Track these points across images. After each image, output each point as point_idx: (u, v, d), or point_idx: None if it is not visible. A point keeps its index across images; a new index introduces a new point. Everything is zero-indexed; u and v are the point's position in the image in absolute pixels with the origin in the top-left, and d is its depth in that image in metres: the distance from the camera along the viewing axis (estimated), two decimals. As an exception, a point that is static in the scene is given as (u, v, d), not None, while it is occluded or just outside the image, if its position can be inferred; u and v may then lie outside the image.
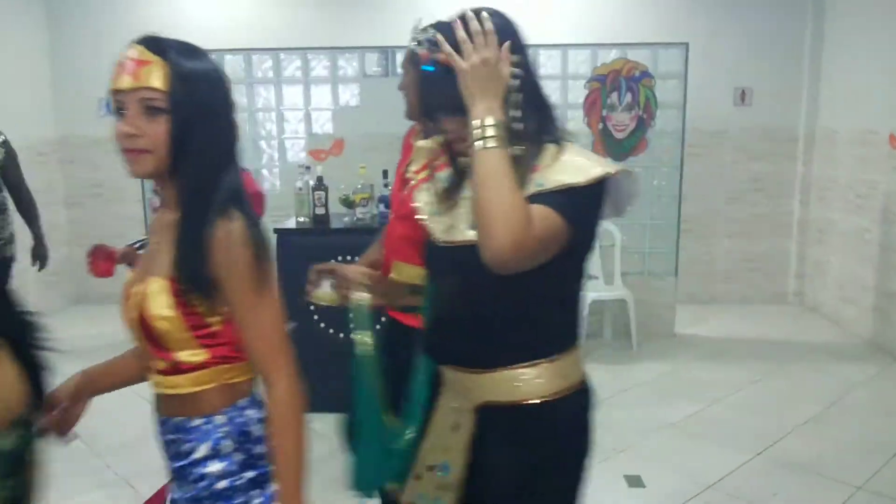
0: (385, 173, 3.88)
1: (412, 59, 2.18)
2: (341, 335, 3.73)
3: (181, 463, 1.35)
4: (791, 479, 3.11)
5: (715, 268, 5.98)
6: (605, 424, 3.74)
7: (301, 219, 3.89)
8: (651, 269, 5.11)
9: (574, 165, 1.35)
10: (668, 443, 3.47)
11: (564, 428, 1.43)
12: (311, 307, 1.98)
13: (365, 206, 3.83)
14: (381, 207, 3.88)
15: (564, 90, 5.00)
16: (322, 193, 3.82)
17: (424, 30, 2.05)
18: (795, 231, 5.87)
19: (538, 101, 1.45)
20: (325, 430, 3.66)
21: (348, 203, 3.98)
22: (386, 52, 5.16)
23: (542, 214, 1.28)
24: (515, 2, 5.91)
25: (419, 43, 2.09)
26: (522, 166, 1.33)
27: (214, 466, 1.32)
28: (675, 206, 4.97)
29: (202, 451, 1.33)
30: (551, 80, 5.01)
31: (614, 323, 5.08)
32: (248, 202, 1.32)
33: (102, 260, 2.22)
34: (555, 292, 1.40)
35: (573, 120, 5.01)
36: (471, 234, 1.32)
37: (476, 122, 1.28)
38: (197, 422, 1.33)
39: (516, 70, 1.37)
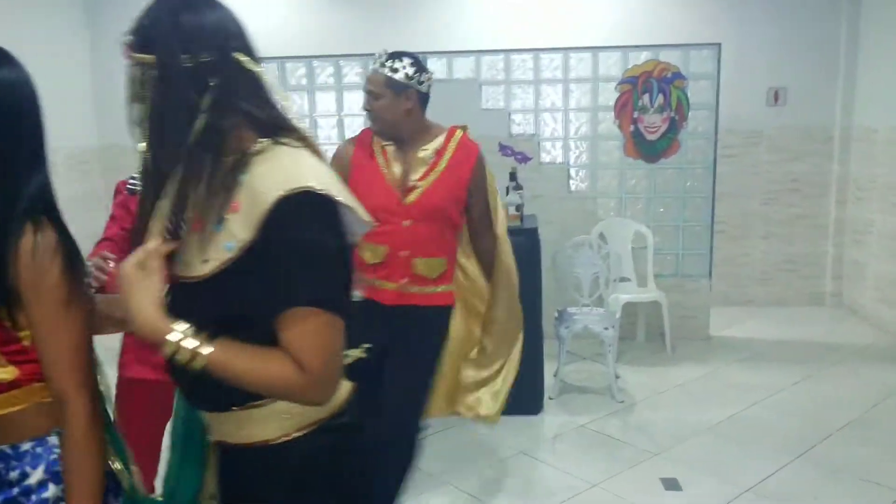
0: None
1: (390, 84, 2.31)
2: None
3: (8, 494, 1.23)
4: (831, 483, 3.06)
5: (751, 269, 5.91)
6: (641, 427, 3.77)
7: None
8: (685, 271, 5.08)
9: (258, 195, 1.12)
10: (704, 446, 3.44)
11: (298, 472, 1.26)
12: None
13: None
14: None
15: (595, 92, 5.00)
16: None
17: (384, 58, 2.34)
18: (832, 231, 5.78)
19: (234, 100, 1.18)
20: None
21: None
22: (415, 57, 5.20)
23: (299, 334, 1.11)
24: (546, 6, 5.98)
25: (382, 66, 2.32)
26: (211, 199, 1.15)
27: (52, 491, 1.23)
28: (708, 208, 4.93)
29: (37, 475, 1.23)
30: (583, 82, 5.02)
31: (648, 325, 5.05)
32: (59, 211, 1.24)
33: None
34: None
35: (604, 122, 5.01)
36: (202, 269, 1.15)
37: (168, 350, 1.10)
38: (26, 446, 1.23)
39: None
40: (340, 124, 5.21)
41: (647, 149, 4.94)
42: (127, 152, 5.94)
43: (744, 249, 5.88)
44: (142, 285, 1.12)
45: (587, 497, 2.99)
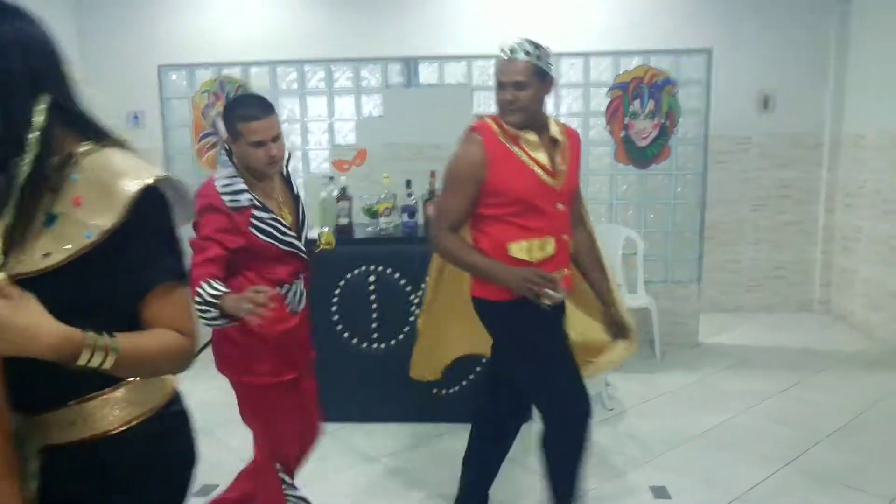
0: (408, 183, 3.90)
1: (536, 71, 2.26)
2: (364, 345, 3.75)
3: None
4: (820, 491, 3.07)
5: (740, 276, 5.93)
6: (631, 434, 3.76)
7: (325, 229, 3.92)
8: (674, 277, 5.08)
9: (107, 187, 1.20)
10: (693, 453, 3.44)
11: (138, 460, 1.29)
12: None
13: (388, 216, 3.86)
14: (405, 217, 3.90)
15: (587, 98, 5.00)
16: (346, 204, 3.86)
17: (525, 45, 2.27)
18: (821, 238, 5.80)
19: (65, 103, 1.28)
20: (350, 440, 3.69)
21: (372, 213, 4.01)
22: (408, 62, 5.19)
23: (172, 305, 1.25)
24: (538, 11, 6.00)
25: (511, 51, 2.25)
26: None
27: None
28: (698, 214, 4.94)
29: None
30: (573, 87, 5.02)
31: (638, 332, 5.04)
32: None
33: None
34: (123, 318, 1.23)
35: (595, 128, 5.02)
36: (44, 262, 1.15)
37: (86, 353, 1.10)
38: None
39: None
40: (331, 129, 5.19)
41: (638, 155, 4.95)
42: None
43: (733, 256, 5.90)
44: (18, 307, 1.06)
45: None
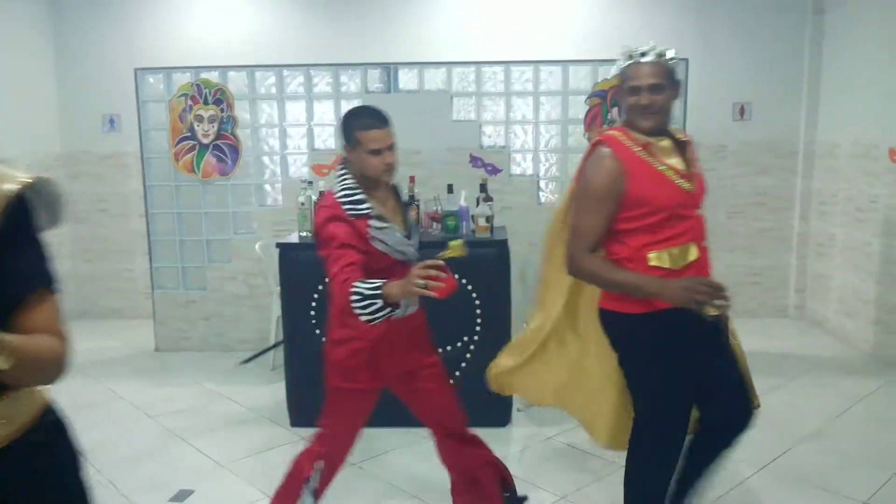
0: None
1: (672, 75, 2.26)
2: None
3: None
4: (795, 494, 3.10)
5: (716, 282, 5.97)
6: (599, 448, 3.73)
7: (303, 233, 3.91)
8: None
9: None
10: (670, 457, 3.46)
11: (24, 473, 1.28)
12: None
13: (367, 221, 3.85)
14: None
15: (566, 105, 5.03)
16: (324, 208, 3.83)
17: (657, 49, 2.25)
18: (796, 245, 5.88)
19: None
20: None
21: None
22: (388, 68, 5.20)
23: (48, 312, 1.26)
24: (518, 19, 6.02)
25: (642, 54, 2.24)
26: None
27: None
28: (676, 221, 4.98)
29: None
30: (553, 95, 5.05)
31: (616, 337, 5.07)
32: None
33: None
34: None
35: (574, 135, 5.05)
36: None
37: None
38: None
39: None
40: (310, 133, 5.18)
41: (616, 162, 4.98)
42: (92, 159, 5.89)
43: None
44: None
45: (554, 509, 2.98)
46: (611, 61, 5.10)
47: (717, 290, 2.03)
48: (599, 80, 4.95)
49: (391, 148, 2.32)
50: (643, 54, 2.23)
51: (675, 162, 2.25)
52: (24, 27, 5.69)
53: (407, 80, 5.25)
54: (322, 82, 5.15)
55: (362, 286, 2.05)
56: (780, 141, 5.81)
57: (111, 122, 5.95)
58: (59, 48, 5.95)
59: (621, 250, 2.25)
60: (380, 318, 2.06)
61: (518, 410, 3.96)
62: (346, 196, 2.28)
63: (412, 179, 3.97)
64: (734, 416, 2.41)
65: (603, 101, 4.93)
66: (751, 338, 5.38)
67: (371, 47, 5.65)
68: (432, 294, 1.94)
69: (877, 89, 4.89)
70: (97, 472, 3.36)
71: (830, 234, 5.52)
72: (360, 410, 2.49)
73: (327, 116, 5.16)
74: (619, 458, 3.40)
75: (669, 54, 2.26)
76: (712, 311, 2.02)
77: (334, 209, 2.26)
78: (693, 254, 2.24)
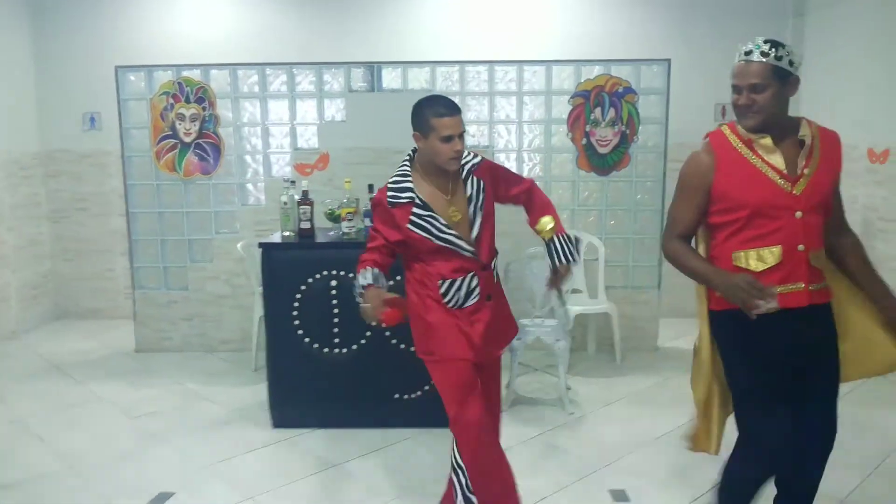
0: (371, 187, 3.88)
1: (777, 73, 2.18)
2: (326, 350, 3.72)
3: None
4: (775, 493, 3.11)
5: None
6: (590, 438, 3.77)
7: (286, 233, 3.88)
8: (635, 283, 5.15)
9: None
10: (653, 456, 3.48)
11: None
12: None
13: (350, 221, 3.83)
14: (367, 221, 3.87)
15: (549, 105, 5.04)
16: (307, 208, 3.82)
17: (764, 47, 2.19)
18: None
19: None
20: (309, 446, 3.65)
21: (334, 217, 3.99)
22: (372, 67, 5.18)
23: None
24: (501, 19, 6.03)
25: (747, 53, 2.20)
26: None
27: None
28: (658, 220, 5.01)
29: None
30: (536, 95, 5.06)
31: (598, 336, 5.10)
32: None
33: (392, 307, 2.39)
34: None
35: (558, 135, 5.06)
36: None
37: None
38: None
39: None
40: (293, 132, 5.15)
41: (599, 162, 5.00)
42: (72, 158, 5.84)
43: (692, 262, 5.98)
44: None
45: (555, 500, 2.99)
46: (593, 61, 5.14)
47: (758, 291, 2.03)
48: (582, 80, 4.96)
49: (461, 136, 2.46)
50: (748, 52, 2.21)
51: (777, 160, 2.20)
52: (2, 24, 5.61)
53: (390, 79, 5.24)
54: (305, 81, 5.13)
55: (359, 278, 2.47)
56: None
57: (91, 120, 5.88)
58: (38, 45, 5.88)
59: (714, 249, 2.31)
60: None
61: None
62: (393, 184, 2.52)
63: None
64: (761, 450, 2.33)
65: (586, 101, 4.94)
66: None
67: (354, 46, 5.63)
68: (376, 322, 2.44)
69: (856, 91, 4.94)
70: (76, 475, 3.33)
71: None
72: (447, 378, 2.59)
73: (310, 115, 5.13)
74: (602, 457, 3.42)
75: (778, 51, 2.19)
76: (753, 312, 2.05)
77: (380, 194, 2.55)
78: (773, 258, 2.19)
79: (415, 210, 2.47)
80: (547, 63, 5.06)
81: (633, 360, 4.90)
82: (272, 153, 5.20)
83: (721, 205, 2.24)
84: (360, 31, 5.69)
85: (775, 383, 2.25)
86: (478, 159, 2.59)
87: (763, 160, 2.21)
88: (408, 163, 2.58)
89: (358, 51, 5.56)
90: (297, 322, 3.72)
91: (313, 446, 3.59)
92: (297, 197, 3.87)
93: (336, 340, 3.72)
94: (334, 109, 5.13)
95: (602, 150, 4.98)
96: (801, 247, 2.19)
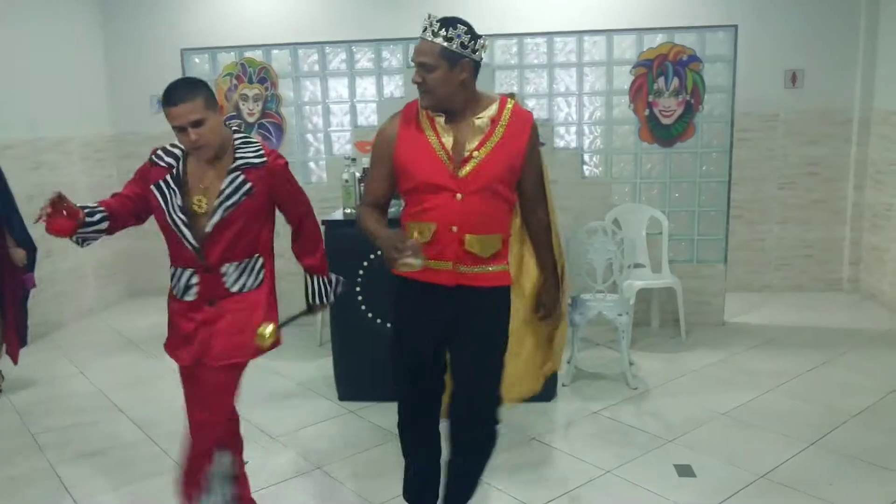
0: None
1: (444, 54, 2.16)
2: (388, 325, 3.77)
3: None
4: (846, 469, 3.04)
5: (767, 255, 5.86)
6: (655, 413, 3.75)
7: (348, 210, 3.94)
8: (700, 257, 5.04)
9: None
10: (719, 432, 3.43)
11: None
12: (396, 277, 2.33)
13: (410, 197, 3.86)
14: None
15: (610, 76, 4.94)
16: (368, 185, 3.86)
17: (436, 26, 2.19)
18: (850, 216, 5.71)
19: None
20: (374, 418, 3.72)
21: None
22: (468, 24, 5.16)
23: None
24: (560, -11, 5.80)
25: (434, 34, 2.17)
26: None
27: None
28: (724, 192, 4.89)
29: None
30: (597, 66, 4.97)
31: (662, 311, 5.02)
32: None
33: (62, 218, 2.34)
34: None
35: (619, 106, 4.96)
36: None
37: None
38: None
39: None
40: (353, 110, 5.20)
41: (663, 133, 4.89)
42: (141, 140, 6.00)
43: (760, 234, 5.83)
44: None
45: (600, 483, 2.99)
46: (656, 29, 5.02)
47: (407, 248, 2.05)
48: (644, 50, 4.84)
49: (196, 124, 2.24)
50: (423, 30, 2.20)
51: (448, 141, 2.21)
52: (73, 11, 5.80)
53: (448, 54, 5.21)
54: (364, 58, 5.16)
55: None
56: (834, 109, 5.62)
57: (159, 102, 6.04)
58: (107, 31, 6.06)
59: (403, 218, 2.35)
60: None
61: (563, 385, 3.96)
62: (164, 147, 2.42)
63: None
64: (463, 411, 2.41)
65: (648, 71, 4.83)
66: (802, 312, 5.30)
67: (410, 22, 5.59)
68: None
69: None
70: (155, 443, 3.49)
71: (886, 205, 5.34)
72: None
73: (369, 92, 5.17)
74: (666, 433, 3.39)
75: (447, 32, 2.15)
76: (401, 267, 2.09)
77: (151, 151, 2.45)
78: (427, 235, 2.21)
79: (167, 177, 2.33)
80: (608, 32, 4.95)
81: (698, 335, 4.81)
82: (333, 131, 5.26)
83: (400, 176, 2.28)
84: (418, 7, 5.66)
85: (416, 349, 2.39)
86: (259, 160, 2.35)
87: (437, 138, 2.22)
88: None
89: (415, 26, 5.53)
90: (360, 297, 3.78)
91: (378, 418, 3.67)
92: (357, 174, 3.92)
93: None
94: (393, 86, 5.14)
95: (665, 121, 4.87)
96: (454, 228, 2.21)
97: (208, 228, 2.30)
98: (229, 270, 2.37)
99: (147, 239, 6.27)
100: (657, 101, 4.86)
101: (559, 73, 5.04)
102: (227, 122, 2.48)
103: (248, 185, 2.31)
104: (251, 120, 5.14)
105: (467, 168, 2.20)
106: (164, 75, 5.78)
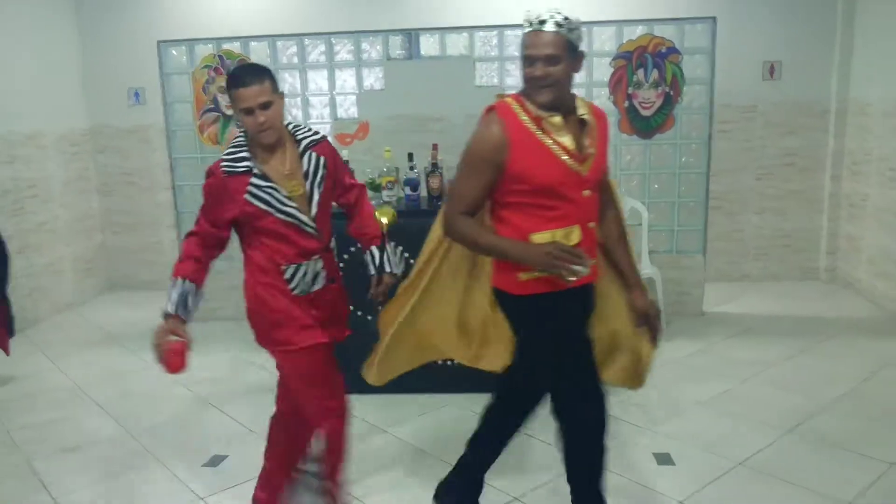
0: (410, 156, 3.89)
1: (569, 46, 2.11)
2: (369, 317, 3.76)
3: None
4: (823, 456, 3.08)
5: (745, 245, 5.91)
6: (635, 402, 3.77)
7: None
8: (679, 247, 5.07)
9: None
10: (697, 420, 3.46)
11: None
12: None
13: (391, 189, 3.85)
14: (408, 190, 3.89)
15: (590, 68, 4.95)
16: (348, 177, 3.84)
17: (558, 17, 2.10)
18: (827, 206, 5.78)
19: None
20: (358, 411, 3.71)
21: (374, 186, 4.01)
22: (409, 34, 5.15)
23: None
24: (538, -20, 5.80)
25: (541, 22, 2.09)
26: None
27: None
28: (703, 183, 4.92)
29: None
30: (576, 58, 4.96)
31: (643, 302, 5.05)
32: None
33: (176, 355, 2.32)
34: None
35: (599, 98, 4.97)
36: None
37: None
38: None
39: None
40: (333, 102, 5.17)
41: (642, 124, 4.91)
42: (117, 133, 5.92)
43: (738, 225, 5.88)
44: None
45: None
46: (635, 21, 5.02)
47: (575, 256, 2.05)
48: (624, 42, 4.85)
49: (264, 106, 2.24)
50: (542, 22, 2.09)
51: (567, 140, 2.15)
52: (47, 3, 5.72)
53: (429, 45, 5.20)
54: (343, 50, 5.12)
55: (169, 293, 2.39)
56: (811, 100, 5.67)
57: (136, 95, 5.99)
58: (81, 23, 5.98)
59: (505, 230, 2.22)
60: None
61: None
62: (227, 155, 2.31)
63: (435, 147, 3.96)
64: (586, 413, 2.42)
65: (628, 63, 4.84)
66: (780, 301, 5.36)
67: (392, 13, 5.60)
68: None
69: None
70: (134, 439, 3.46)
71: (863, 195, 5.40)
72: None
73: (349, 85, 5.14)
74: (646, 421, 3.41)
75: (570, 23, 2.10)
76: (570, 277, 2.07)
77: (213, 165, 2.33)
78: (575, 237, 2.18)
79: (253, 181, 2.26)
80: (587, 24, 4.92)
81: (677, 325, 4.85)
82: (312, 124, 5.23)
83: (517, 186, 2.15)
84: (398, -2, 5.65)
85: (575, 349, 2.32)
86: (318, 136, 2.43)
87: (553, 139, 2.14)
88: (242, 136, 2.35)
89: (395, 18, 5.52)
90: (340, 290, 3.76)
91: (362, 411, 3.66)
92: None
93: (379, 308, 3.75)
94: (373, 78, 5.12)
95: (645, 113, 4.89)
96: (591, 224, 2.24)
97: (314, 210, 2.34)
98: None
99: (123, 233, 6.23)
100: (637, 92, 4.87)
101: (539, 64, 5.03)
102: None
103: (322, 160, 2.38)
104: (229, 113, 5.09)
105: (588, 164, 2.19)
106: (141, 67, 5.77)
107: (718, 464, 3.02)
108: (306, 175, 2.35)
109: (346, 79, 5.15)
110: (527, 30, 2.12)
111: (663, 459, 3.08)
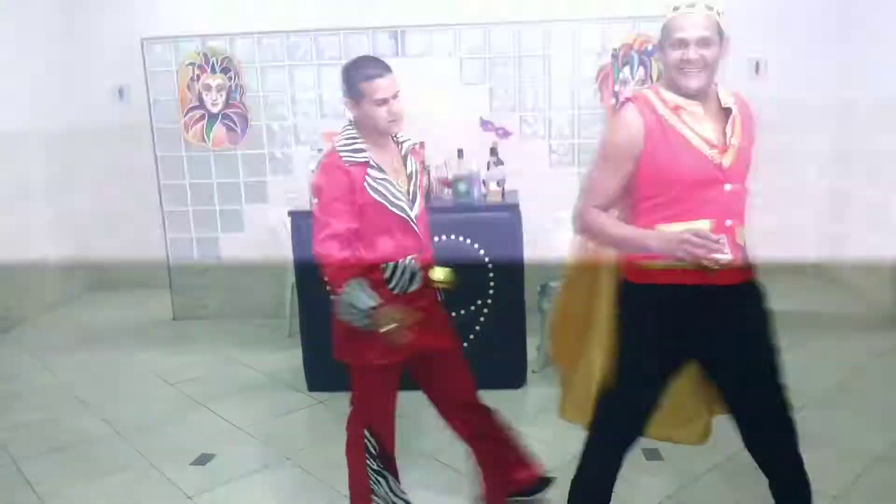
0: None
1: (719, 29, 2.04)
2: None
3: None
4: (808, 451, 3.08)
5: (731, 241, 5.94)
6: (622, 398, 3.73)
7: (315, 200, 3.90)
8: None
9: None
10: (685, 416, 3.47)
11: None
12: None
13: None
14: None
15: (576, 66, 4.96)
16: (336, 175, 3.83)
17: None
18: (815, 203, 5.82)
19: None
20: (344, 408, 3.71)
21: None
22: (396, 32, 5.14)
23: None
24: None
25: (709, 8, 2.02)
26: None
27: None
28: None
29: None
30: (563, 56, 4.98)
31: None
32: None
33: None
34: None
35: (586, 96, 4.99)
36: None
37: None
38: None
39: None
40: (319, 100, 5.15)
41: (629, 122, 4.92)
42: (100, 131, 5.80)
43: (725, 221, 5.90)
44: None
45: (570, 469, 3.00)
46: (622, 19, 5.03)
47: (713, 242, 1.91)
48: (610, 39, 4.86)
49: (396, 97, 2.29)
50: (691, 5, 2.01)
51: (707, 130, 2.04)
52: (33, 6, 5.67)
53: (415, 43, 5.19)
54: (330, 48, 5.11)
55: (356, 292, 2.31)
56: (799, 97, 5.71)
57: (120, 93, 5.94)
58: (65, 20, 5.92)
59: (635, 222, 2.09)
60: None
61: (532, 372, 3.98)
62: (343, 145, 2.30)
63: (422, 145, 3.94)
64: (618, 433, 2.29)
65: (614, 61, 4.86)
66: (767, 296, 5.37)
67: (378, 11, 5.58)
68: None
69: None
70: (121, 439, 3.44)
71: (850, 192, 5.45)
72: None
73: (336, 82, 5.12)
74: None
75: (718, 8, 2.05)
76: (711, 265, 1.94)
77: (331, 157, 2.31)
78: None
79: (370, 171, 2.26)
80: (573, 22, 4.96)
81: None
82: (299, 121, 5.21)
83: (649, 177, 2.03)
84: (384, -4, 5.63)
85: (668, 358, 2.15)
86: (415, 141, 2.48)
87: (692, 129, 2.02)
88: (352, 128, 2.35)
89: (382, 15, 5.50)
90: (328, 288, 3.75)
91: (347, 408, 3.65)
92: (325, 164, 3.88)
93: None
94: (360, 76, 5.10)
95: (631, 110, 4.90)
96: (728, 221, 2.08)
97: (416, 211, 2.34)
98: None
99: (109, 233, 6.18)
100: (623, 90, 4.89)
101: (526, 62, 5.04)
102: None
103: (419, 165, 2.45)
104: (214, 110, 5.07)
105: (730, 156, 2.07)
106: (124, 65, 5.72)
107: (706, 458, 3.04)
108: (410, 176, 2.38)
109: (333, 76, 5.13)
110: (676, 12, 2.03)
111: (652, 455, 3.10)
